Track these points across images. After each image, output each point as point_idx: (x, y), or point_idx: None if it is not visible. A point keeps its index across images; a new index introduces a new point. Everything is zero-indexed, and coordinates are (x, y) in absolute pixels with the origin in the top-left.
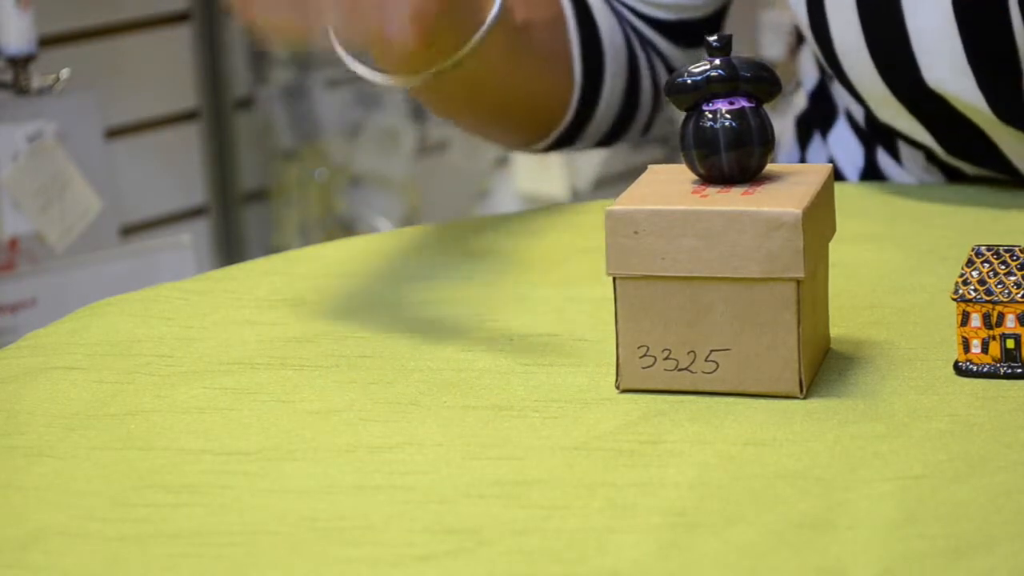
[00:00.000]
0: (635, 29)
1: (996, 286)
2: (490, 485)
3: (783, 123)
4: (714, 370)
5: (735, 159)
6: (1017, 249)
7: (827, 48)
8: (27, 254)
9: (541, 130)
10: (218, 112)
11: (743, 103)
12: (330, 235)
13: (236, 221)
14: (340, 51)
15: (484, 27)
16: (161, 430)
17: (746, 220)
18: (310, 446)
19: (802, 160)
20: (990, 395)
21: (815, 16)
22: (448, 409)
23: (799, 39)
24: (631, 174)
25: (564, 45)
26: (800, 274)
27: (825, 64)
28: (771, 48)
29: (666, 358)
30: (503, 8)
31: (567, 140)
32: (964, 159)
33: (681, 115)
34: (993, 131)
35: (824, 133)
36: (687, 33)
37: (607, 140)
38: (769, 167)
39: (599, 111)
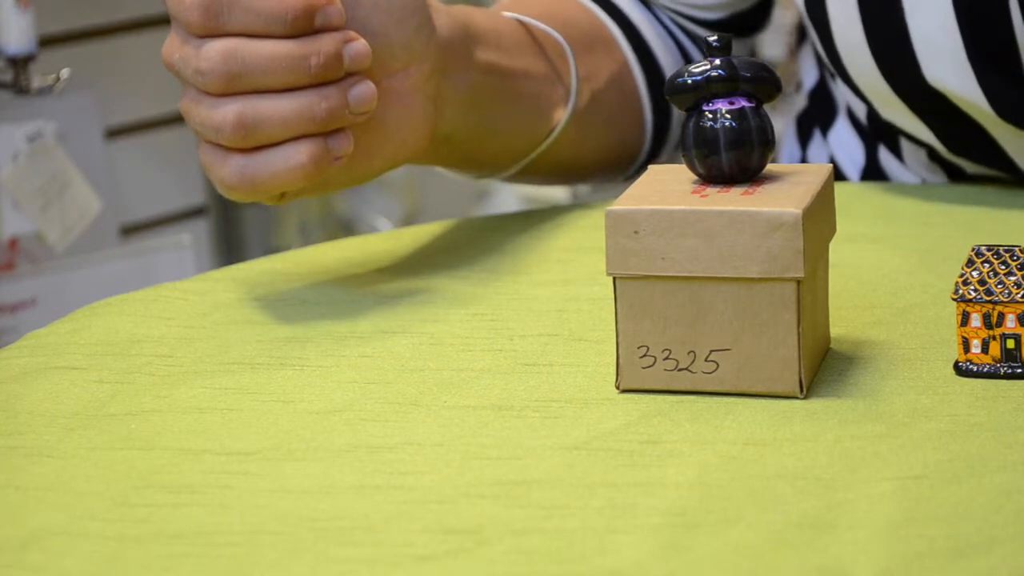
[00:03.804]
0: (689, 34)
1: (996, 286)
2: (490, 485)
3: (783, 123)
4: (714, 370)
5: (735, 159)
6: (1017, 249)
7: (828, 45)
8: (27, 254)
9: (619, 171)
10: None
11: (743, 103)
12: (330, 235)
13: (236, 221)
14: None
15: (555, 132)
16: (161, 430)
17: (746, 220)
18: (310, 446)
19: (803, 159)
20: (990, 395)
21: (816, 13)
22: (448, 409)
23: (800, 38)
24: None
25: (631, 93)
26: (800, 274)
27: (827, 61)
28: (771, 48)
29: (666, 358)
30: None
31: (647, 164)
32: (965, 157)
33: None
34: (994, 129)
35: (824, 131)
36: (741, 26)
37: None
38: (769, 167)
39: (672, 128)
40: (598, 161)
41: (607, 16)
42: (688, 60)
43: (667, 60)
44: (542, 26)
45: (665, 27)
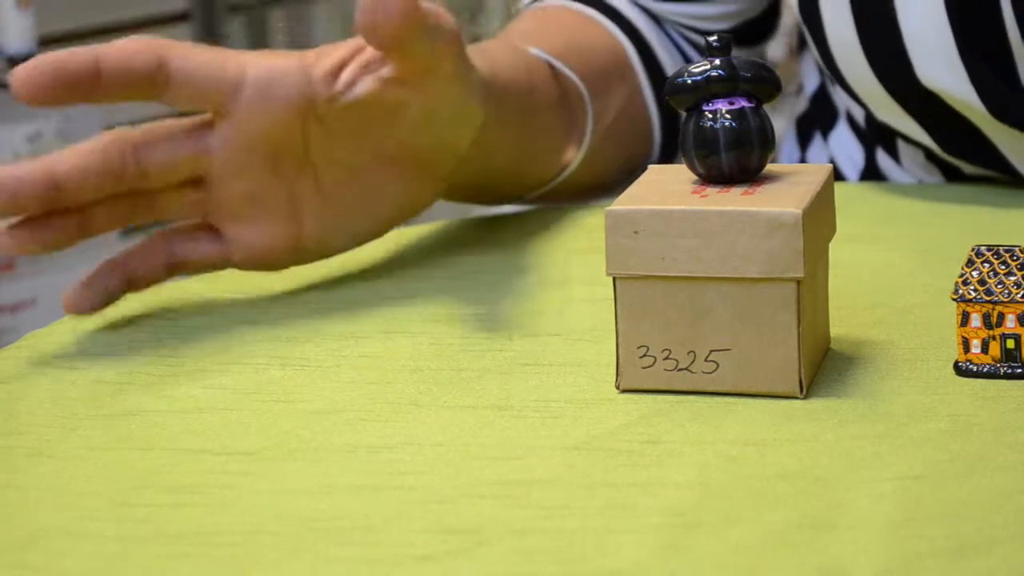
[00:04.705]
0: (699, 48)
1: (996, 286)
2: (490, 485)
3: (783, 124)
4: (714, 370)
5: (735, 159)
6: (1017, 249)
7: (822, 46)
8: None
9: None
10: None
11: (743, 103)
12: None
13: None
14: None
15: (564, 174)
16: (161, 430)
17: (746, 220)
18: (310, 446)
19: (802, 160)
20: (990, 395)
21: (809, 13)
22: (448, 409)
23: (801, 41)
24: None
25: (642, 117)
26: (800, 274)
27: (822, 64)
28: (772, 49)
29: (666, 358)
30: (590, 144)
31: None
32: (961, 158)
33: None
34: (988, 128)
35: (825, 134)
36: (749, 34)
37: None
38: (769, 167)
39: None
40: (604, 183)
41: (624, 36)
42: None
43: None
44: (566, 71)
45: (675, 44)
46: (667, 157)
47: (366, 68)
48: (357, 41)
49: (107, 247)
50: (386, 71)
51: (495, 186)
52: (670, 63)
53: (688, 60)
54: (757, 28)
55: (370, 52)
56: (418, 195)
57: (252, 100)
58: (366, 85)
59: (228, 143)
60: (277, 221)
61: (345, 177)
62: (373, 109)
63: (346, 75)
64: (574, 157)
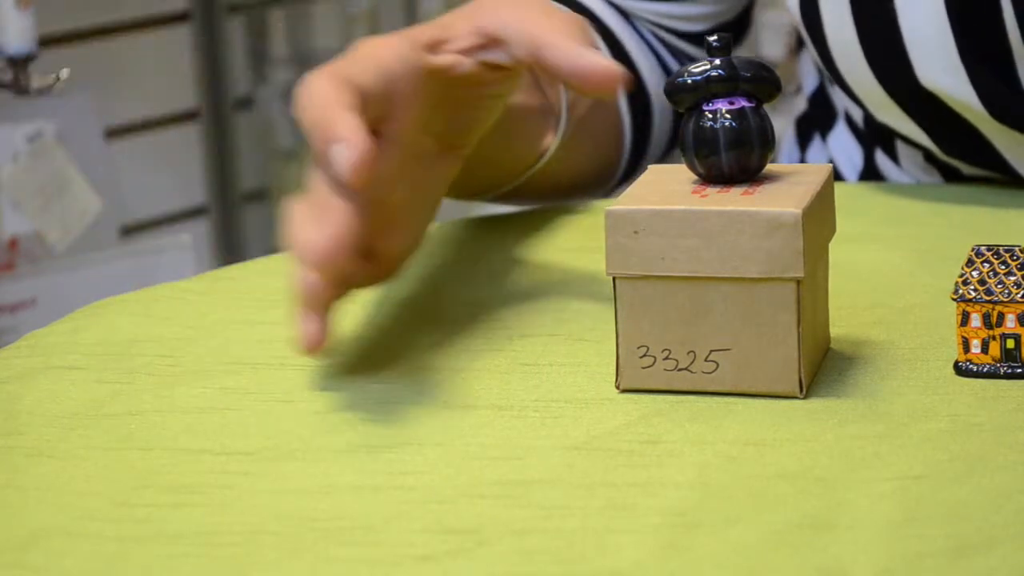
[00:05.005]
0: (671, 48)
1: (996, 286)
2: (490, 485)
3: (783, 123)
4: (714, 370)
5: (735, 159)
6: (1017, 249)
7: (822, 46)
8: (27, 254)
9: (598, 187)
10: (218, 112)
11: (743, 103)
12: None
13: (236, 221)
14: None
15: (540, 163)
16: (161, 430)
17: (746, 220)
18: (310, 446)
19: (802, 161)
20: (990, 395)
21: (809, 16)
22: (448, 409)
23: (799, 42)
24: None
25: (613, 115)
26: (800, 274)
27: (821, 65)
28: (771, 48)
29: (666, 358)
30: (567, 126)
31: (623, 182)
32: (960, 159)
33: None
34: (988, 130)
35: (824, 135)
36: None
37: (667, 153)
38: (769, 167)
39: (651, 147)
40: (579, 182)
41: (596, 35)
42: (668, 74)
43: (651, 78)
44: None
45: (645, 41)
46: (637, 158)
47: (466, 52)
48: (445, 26)
49: (107, 251)
50: (493, 56)
51: (478, 171)
52: (643, 63)
53: (661, 60)
54: (731, 30)
55: (469, 41)
56: (448, 179)
57: (406, 96)
58: (467, 64)
59: (397, 147)
60: (405, 222)
61: (420, 163)
62: (461, 89)
63: (445, 58)
64: (551, 144)
